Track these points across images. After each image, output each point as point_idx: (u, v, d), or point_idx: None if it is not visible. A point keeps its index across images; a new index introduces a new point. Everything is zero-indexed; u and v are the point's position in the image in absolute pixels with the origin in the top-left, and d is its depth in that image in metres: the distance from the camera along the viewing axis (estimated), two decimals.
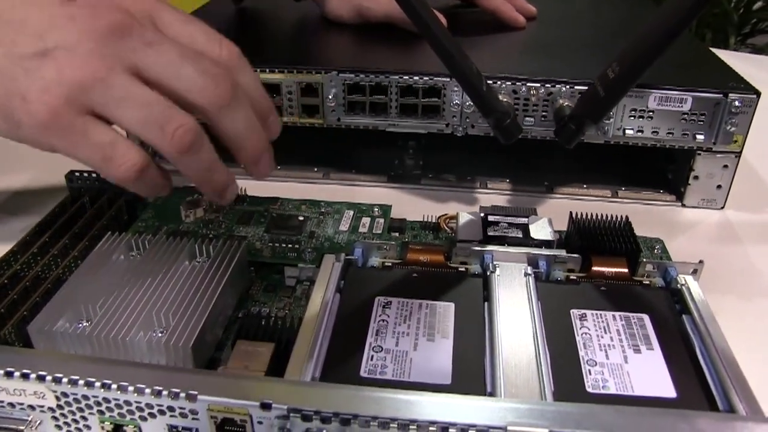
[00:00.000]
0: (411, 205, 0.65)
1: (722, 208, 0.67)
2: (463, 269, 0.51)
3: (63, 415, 0.39)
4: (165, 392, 0.36)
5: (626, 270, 0.50)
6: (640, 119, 0.63)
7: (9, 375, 0.37)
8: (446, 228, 0.59)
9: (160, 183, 0.45)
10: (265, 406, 0.35)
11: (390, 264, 0.51)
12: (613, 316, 0.46)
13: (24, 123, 0.42)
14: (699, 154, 0.64)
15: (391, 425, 0.34)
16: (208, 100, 0.43)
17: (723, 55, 0.72)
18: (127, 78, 0.42)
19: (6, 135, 0.45)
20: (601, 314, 0.46)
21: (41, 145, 0.44)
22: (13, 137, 0.45)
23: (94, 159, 0.43)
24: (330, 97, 0.64)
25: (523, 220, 0.55)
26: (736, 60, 0.71)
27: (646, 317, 0.46)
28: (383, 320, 0.45)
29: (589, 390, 0.40)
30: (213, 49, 0.45)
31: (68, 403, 0.38)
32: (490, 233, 0.54)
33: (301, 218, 0.58)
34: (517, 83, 0.63)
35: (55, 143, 0.43)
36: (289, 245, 0.55)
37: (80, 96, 0.42)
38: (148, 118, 0.42)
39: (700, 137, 0.63)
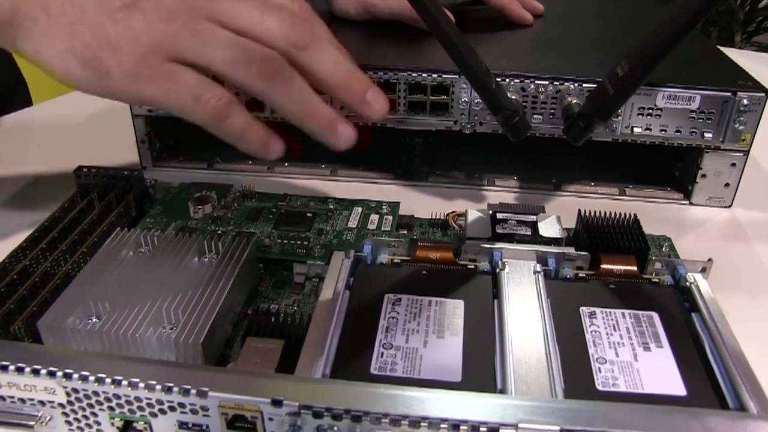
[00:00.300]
0: (419, 203, 0.65)
1: (730, 206, 0.67)
2: (472, 267, 0.51)
3: (73, 411, 0.39)
4: (176, 389, 0.36)
5: (635, 268, 0.50)
6: (649, 117, 0.63)
7: (20, 371, 0.37)
8: (455, 225, 0.59)
9: (247, 123, 0.47)
10: (277, 403, 0.35)
11: (399, 261, 0.51)
12: (623, 313, 0.46)
13: (113, 73, 0.45)
14: (707, 152, 0.64)
15: (402, 422, 0.34)
16: (291, 41, 0.46)
17: (728, 53, 0.72)
18: (211, 25, 0.45)
19: (93, 87, 0.46)
20: (610, 312, 0.46)
21: (128, 95, 0.46)
22: (100, 89, 0.46)
23: (183, 100, 0.45)
24: None
25: (532, 218, 0.55)
26: (742, 58, 0.71)
27: (655, 315, 0.46)
28: (393, 317, 0.45)
29: (599, 388, 0.40)
30: (286, 3, 0.48)
31: (78, 399, 0.38)
32: (499, 231, 0.54)
33: (309, 215, 0.58)
34: (526, 81, 0.63)
35: (144, 90, 0.45)
36: (298, 242, 0.55)
37: (168, 44, 0.45)
38: (236, 56, 0.45)
39: (708, 135, 0.63)
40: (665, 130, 0.63)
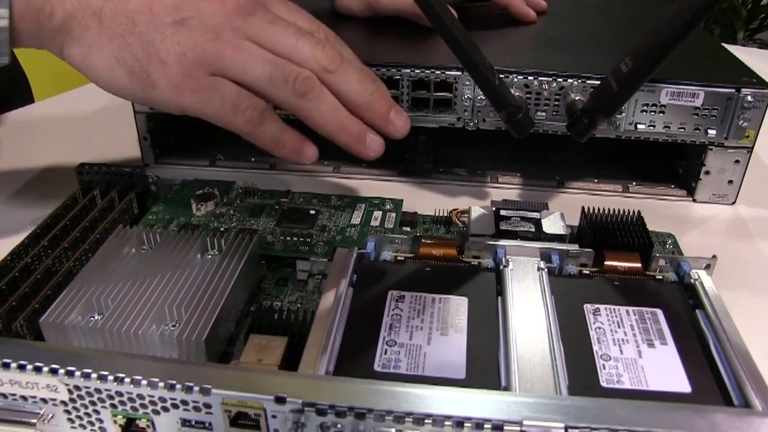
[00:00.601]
0: (422, 200, 0.65)
1: (733, 203, 0.67)
2: (475, 263, 0.51)
3: (75, 408, 0.39)
4: (179, 386, 0.36)
5: (639, 265, 0.50)
6: (652, 114, 0.63)
7: (22, 368, 0.37)
8: (458, 222, 0.59)
9: (281, 130, 0.52)
10: (280, 400, 0.35)
11: (402, 258, 0.51)
12: (627, 310, 0.46)
13: (160, 84, 0.49)
14: (710, 149, 0.64)
15: (407, 419, 0.34)
16: (322, 65, 0.51)
17: (731, 50, 0.72)
18: (252, 45, 0.50)
19: (137, 97, 0.51)
20: (614, 309, 0.46)
21: (170, 104, 0.50)
22: (145, 99, 0.51)
23: (222, 109, 0.50)
24: None
25: (535, 215, 0.55)
26: (745, 55, 0.71)
27: (659, 312, 0.46)
28: (396, 314, 0.45)
29: (604, 385, 0.40)
30: (315, 29, 0.54)
31: (81, 397, 0.38)
32: (503, 227, 0.53)
33: (312, 212, 0.58)
34: (529, 77, 0.62)
35: (186, 101, 0.50)
36: (301, 239, 0.54)
37: (212, 60, 0.49)
38: (274, 74, 0.50)
39: (711, 132, 0.62)
40: (669, 127, 0.63)
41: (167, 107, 0.51)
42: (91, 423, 0.39)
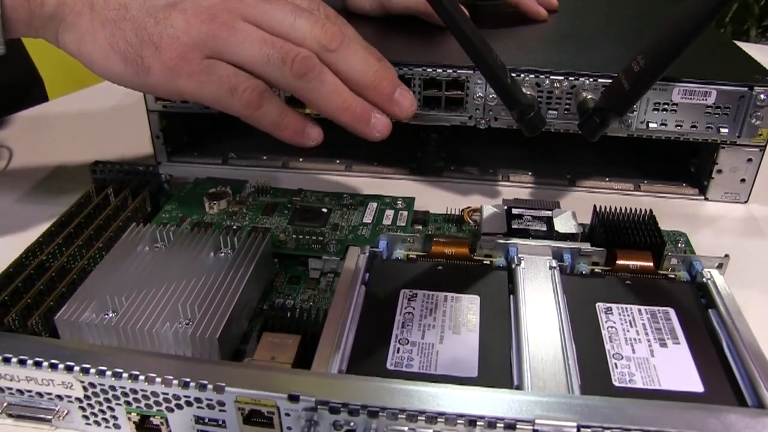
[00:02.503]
0: (434, 198, 0.65)
1: (746, 202, 0.66)
2: (487, 262, 0.51)
3: (90, 405, 0.39)
4: (192, 384, 0.36)
5: (651, 264, 0.50)
6: (664, 112, 0.62)
7: (38, 365, 0.38)
8: (470, 221, 0.59)
9: (282, 111, 0.50)
10: (293, 398, 0.35)
11: (414, 256, 0.51)
12: (639, 309, 0.46)
13: (154, 69, 0.48)
14: (723, 147, 0.64)
15: (419, 418, 0.34)
16: (322, 43, 0.49)
17: (744, 47, 0.72)
18: (248, 25, 0.48)
19: (132, 83, 0.50)
20: (626, 308, 0.46)
21: (166, 89, 0.49)
22: (140, 85, 0.49)
23: (219, 92, 0.48)
24: None
25: (547, 213, 0.55)
26: (758, 52, 0.71)
27: (671, 311, 0.46)
28: (409, 313, 0.45)
29: (616, 384, 0.40)
30: (314, 8, 0.52)
31: (96, 394, 0.38)
32: (514, 226, 0.54)
33: (324, 210, 0.58)
34: (541, 76, 0.62)
35: (182, 85, 0.48)
36: (313, 237, 0.55)
37: (207, 43, 0.47)
38: (271, 55, 0.48)
39: (724, 130, 0.62)
40: (681, 126, 0.63)
41: (163, 92, 0.50)
42: (106, 420, 0.39)
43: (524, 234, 0.53)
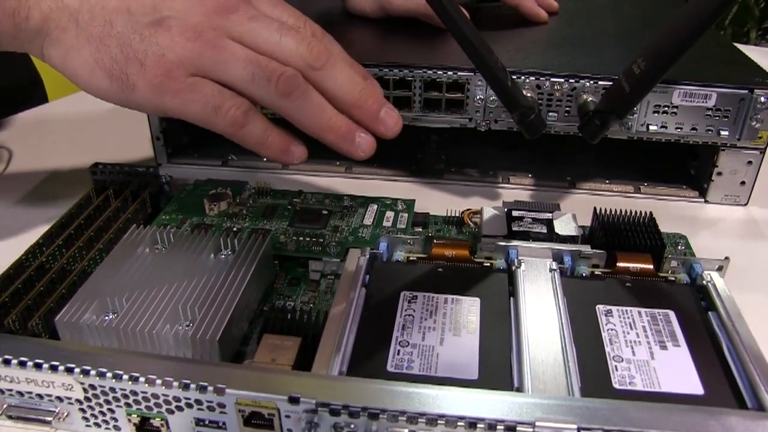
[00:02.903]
0: (434, 200, 0.65)
1: (746, 204, 0.66)
2: (488, 264, 0.51)
3: (90, 407, 0.39)
4: (193, 385, 0.36)
5: (651, 266, 0.50)
6: (664, 115, 0.62)
7: (38, 367, 0.38)
8: (470, 223, 0.59)
9: (266, 129, 0.49)
10: (294, 400, 0.35)
11: (415, 259, 0.51)
12: (639, 312, 0.46)
13: (139, 86, 0.47)
14: (723, 150, 0.64)
15: (420, 420, 0.34)
16: (307, 61, 0.48)
17: (744, 49, 0.72)
18: (233, 43, 0.47)
19: (118, 99, 0.49)
20: (626, 310, 0.46)
21: (152, 106, 0.48)
22: (125, 101, 0.48)
23: (205, 111, 0.48)
24: None
25: (547, 216, 0.55)
26: (758, 55, 0.71)
27: (672, 313, 0.46)
28: (409, 315, 0.45)
29: (616, 386, 0.40)
30: (300, 25, 0.51)
31: (96, 396, 0.38)
32: (515, 228, 0.54)
33: (325, 212, 0.58)
34: (541, 78, 0.62)
35: (167, 103, 0.47)
36: (314, 239, 0.55)
37: (192, 60, 0.47)
38: (256, 73, 0.47)
39: (724, 133, 0.62)
40: (681, 128, 0.63)
41: (148, 109, 0.49)
42: (106, 422, 0.39)
43: (524, 236, 0.53)
